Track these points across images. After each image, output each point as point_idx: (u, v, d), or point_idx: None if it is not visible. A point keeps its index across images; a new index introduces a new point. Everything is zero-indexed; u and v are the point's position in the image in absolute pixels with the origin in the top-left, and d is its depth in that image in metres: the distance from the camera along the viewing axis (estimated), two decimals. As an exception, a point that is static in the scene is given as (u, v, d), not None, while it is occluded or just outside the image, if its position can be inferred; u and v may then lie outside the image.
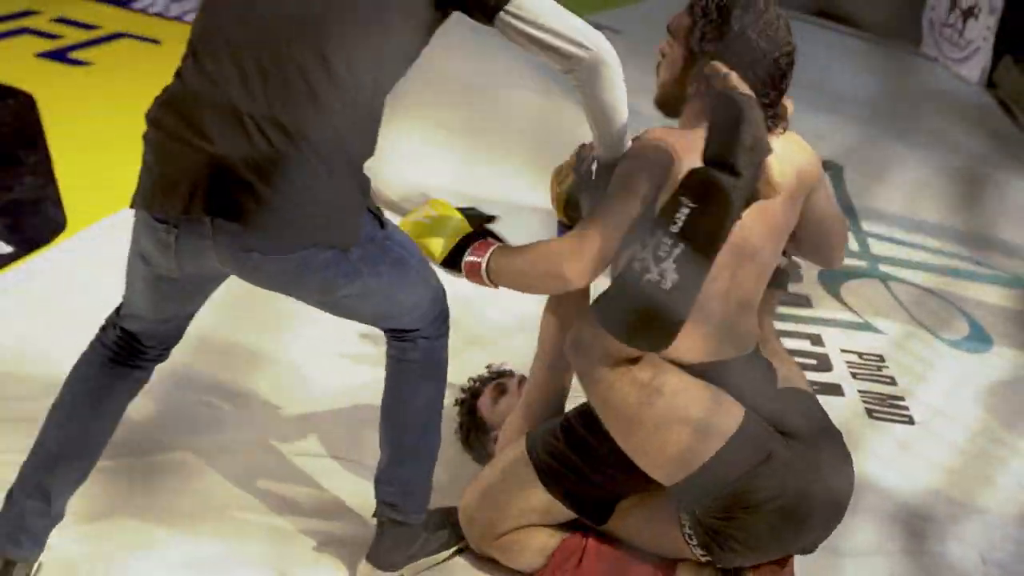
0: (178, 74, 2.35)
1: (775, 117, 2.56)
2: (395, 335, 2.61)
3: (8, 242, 3.89)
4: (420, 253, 2.60)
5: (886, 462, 3.38)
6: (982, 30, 6.34)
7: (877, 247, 4.68)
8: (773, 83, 2.54)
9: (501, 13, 2.38)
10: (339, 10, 2.29)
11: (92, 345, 2.60)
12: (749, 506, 2.45)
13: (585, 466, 2.61)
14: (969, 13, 6.42)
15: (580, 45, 2.44)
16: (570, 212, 2.74)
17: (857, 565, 2.90)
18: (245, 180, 2.25)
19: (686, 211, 2.27)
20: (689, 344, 2.47)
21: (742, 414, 2.46)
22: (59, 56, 5.45)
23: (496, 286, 2.63)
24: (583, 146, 2.75)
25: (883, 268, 4.51)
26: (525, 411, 2.84)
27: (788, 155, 2.54)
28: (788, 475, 2.46)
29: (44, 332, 3.43)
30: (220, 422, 3.21)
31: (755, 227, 2.50)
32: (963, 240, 4.80)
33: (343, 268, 2.39)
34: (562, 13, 2.44)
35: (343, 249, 2.36)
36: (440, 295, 2.61)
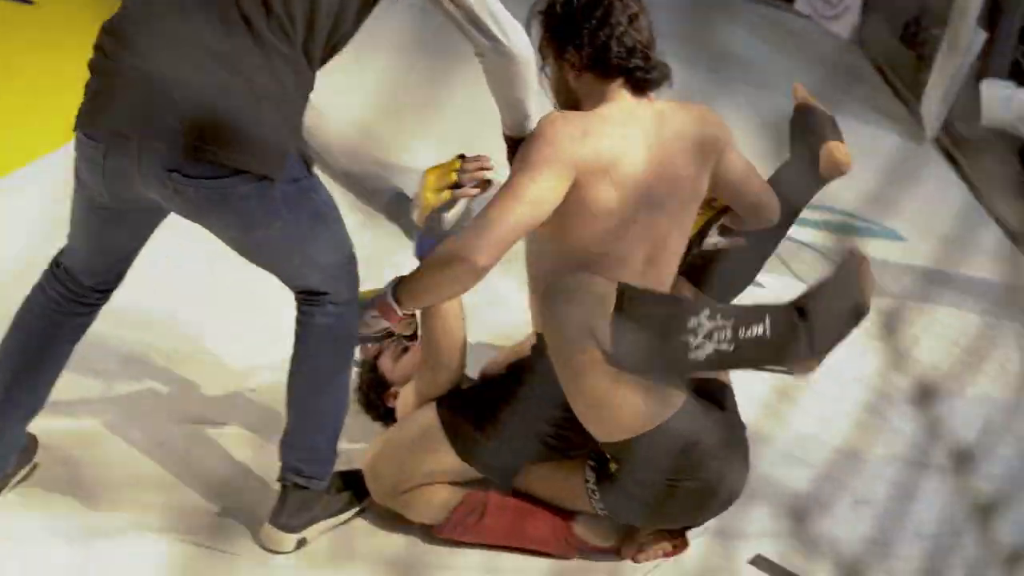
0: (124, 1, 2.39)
1: (653, 81, 2.62)
2: (305, 297, 2.62)
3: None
4: (338, 213, 2.59)
5: (770, 409, 3.44)
6: (854, -13, 6.51)
7: None
8: (638, 54, 2.59)
9: None
10: None
11: (34, 292, 2.63)
12: (670, 479, 2.58)
13: (497, 434, 2.68)
14: (840, -28, 6.58)
15: (492, 36, 2.48)
16: (429, 223, 2.75)
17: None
18: (174, 100, 2.27)
19: (760, 330, 2.45)
20: None
21: (684, 396, 2.58)
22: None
23: (413, 314, 2.70)
24: (462, 159, 2.74)
25: None
26: (420, 381, 2.90)
27: (690, 125, 2.65)
28: (711, 460, 2.60)
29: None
30: (127, 392, 3.19)
31: (666, 205, 2.63)
32: (840, 197, 4.89)
33: (264, 204, 2.40)
34: (490, 3, 2.46)
35: (267, 182, 2.36)
36: (353, 261, 2.64)
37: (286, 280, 2.62)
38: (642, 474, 2.58)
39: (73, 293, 2.62)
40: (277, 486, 2.73)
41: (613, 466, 2.64)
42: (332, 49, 2.47)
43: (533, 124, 2.62)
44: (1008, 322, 4.21)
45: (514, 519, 2.81)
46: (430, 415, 2.76)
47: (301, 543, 2.74)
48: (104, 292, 2.65)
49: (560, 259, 2.62)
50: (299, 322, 2.65)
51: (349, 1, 2.45)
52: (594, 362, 2.47)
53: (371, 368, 3.12)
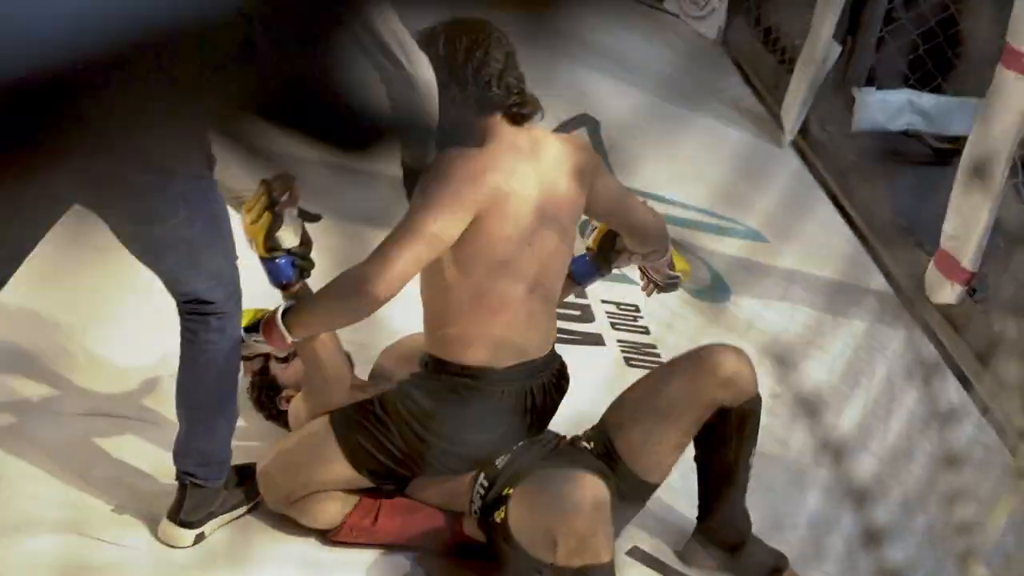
0: None
1: (530, 115, 2.76)
2: (191, 308, 2.63)
3: None
4: (231, 223, 2.62)
5: None
6: (719, -10, 6.59)
7: None
8: (515, 90, 2.72)
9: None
10: None
11: None
12: None
13: (390, 448, 2.75)
14: (706, -25, 6.66)
15: (397, 62, 2.48)
16: (270, 246, 2.75)
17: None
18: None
19: None
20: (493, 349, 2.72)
21: None
22: None
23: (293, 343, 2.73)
24: (266, 182, 2.75)
25: None
26: (309, 397, 2.93)
27: (566, 152, 2.80)
28: None
29: None
30: (19, 390, 3.17)
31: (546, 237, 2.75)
32: (705, 195, 4.97)
33: (165, 196, 2.42)
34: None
35: (168, 174, 2.38)
36: (237, 275, 2.67)
37: (172, 284, 2.62)
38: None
39: None
40: (174, 482, 2.75)
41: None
42: None
43: (430, 156, 2.67)
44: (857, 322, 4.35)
45: (405, 518, 2.86)
46: (322, 427, 2.79)
47: (199, 538, 2.77)
48: None
49: (457, 284, 2.70)
50: (184, 337, 2.66)
51: None
52: None
53: (262, 371, 3.11)
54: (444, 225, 2.59)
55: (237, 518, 2.87)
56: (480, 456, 2.80)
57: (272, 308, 2.75)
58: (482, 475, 2.83)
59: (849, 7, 5.21)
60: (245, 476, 2.89)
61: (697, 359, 2.83)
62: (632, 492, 2.85)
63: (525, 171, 2.70)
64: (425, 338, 2.84)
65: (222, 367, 2.70)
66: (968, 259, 4.11)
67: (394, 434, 2.73)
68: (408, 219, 2.61)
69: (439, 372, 2.76)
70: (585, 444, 2.91)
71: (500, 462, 2.84)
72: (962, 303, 4.20)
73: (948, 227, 4.19)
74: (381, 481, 2.81)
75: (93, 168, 2.31)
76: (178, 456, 2.74)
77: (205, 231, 2.55)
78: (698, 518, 2.99)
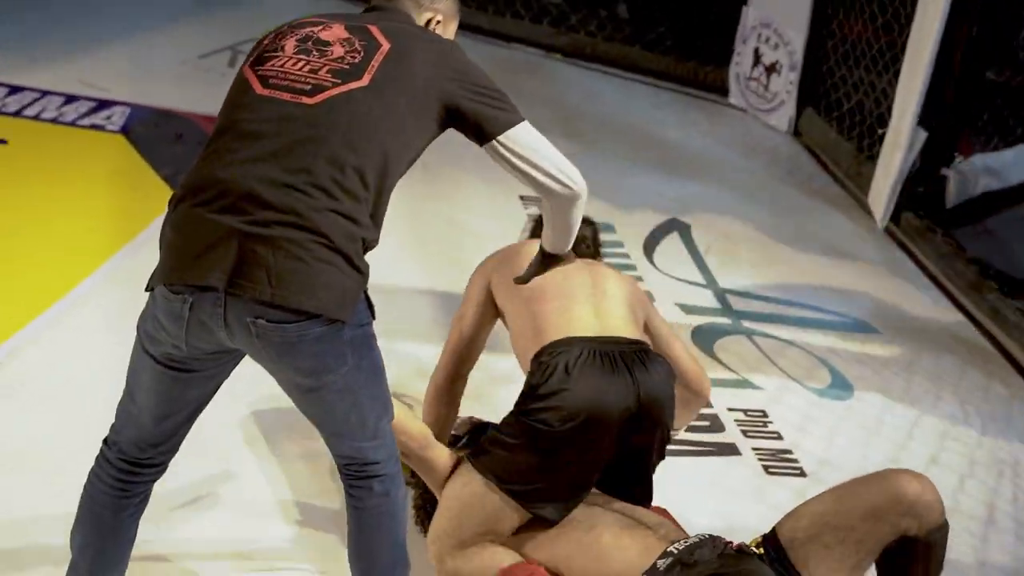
0: (202, 161, 2.46)
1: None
2: (354, 472, 2.65)
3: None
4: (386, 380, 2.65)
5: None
6: (785, 84, 6.63)
7: (736, 303, 4.81)
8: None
9: (494, 141, 2.54)
10: (359, 130, 2.44)
11: (92, 478, 2.63)
12: None
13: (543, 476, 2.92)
14: (772, 69, 6.71)
15: (560, 183, 2.58)
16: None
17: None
18: (259, 255, 2.34)
19: None
20: None
21: None
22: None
23: None
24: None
25: (745, 324, 4.64)
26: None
27: (624, 284, 3.27)
28: None
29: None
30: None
31: None
32: (807, 290, 4.99)
33: (335, 346, 2.44)
34: (548, 152, 2.58)
35: (338, 324, 2.40)
36: (394, 437, 2.71)
37: (334, 440, 2.64)
38: None
39: (130, 474, 2.62)
40: None
41: None
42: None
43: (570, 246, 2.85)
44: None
45: None
46: (477, 480, 2.95)
47: None
48: (159, 466, 2.65)
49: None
50: (351, 505, 2.68)
51: (408, 164, 2.57)
52: None
53: (422, 486, 3.17)
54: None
55: None
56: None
57: None
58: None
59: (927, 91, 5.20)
60: None
61: (881, 484, 2.74)
62: None
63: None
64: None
65: (392, 528, 2.71)
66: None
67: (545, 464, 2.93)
68: None
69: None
70: (755, 550, 2.82)
71: (662, 564, 2.77)
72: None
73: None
74: (537, 507, 2.92)
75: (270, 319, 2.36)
76: None
77: (369, 378, 2.56)
78: None
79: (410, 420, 3.09)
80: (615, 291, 3.21)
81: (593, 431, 2.88)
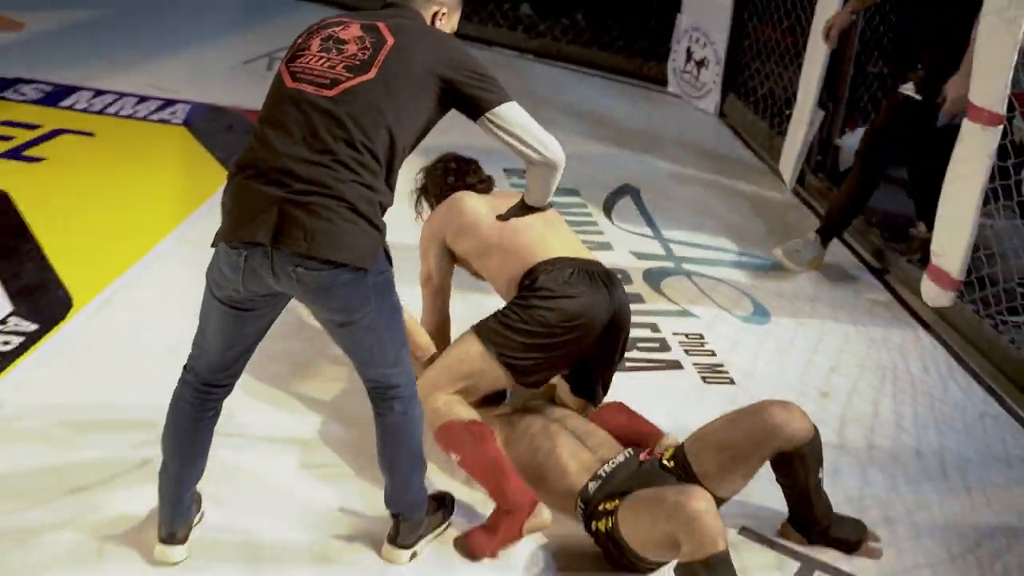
0: (251, 142, 2.48)
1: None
2: (378, 394, 2.66)
3: (33, 320, 3.77)
4: (403, 317, 2.66)
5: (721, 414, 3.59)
6: (712, 75, 6.64)
7: (677, 250, 4.83)
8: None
9: (484, 116, 2.54)
10: (368, 116, 2.44)
11: (175, 397, 2.66)
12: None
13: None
14: (701, 63, 6.71)
15: (538, 152, 2.57)
16: None
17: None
18: (296, 218, 2.37)
19: None
20: None
21: None
22: (15, 155, 5.17)
23: None
24: None
25: (685, 266, 4.65)
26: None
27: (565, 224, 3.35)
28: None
29: (84, 394, 3.39)
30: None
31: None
32: (733, 238, 5.00)
33: (360, 290, 2.46)
34: (528, 125, 2.57)
35: (362, 272, 2.43)
36: (410, 364, 2.71)
37: (363, 367, 2.64)
38: None
39: (206, 393, 2.64)
40: (386, 516, 2.79)
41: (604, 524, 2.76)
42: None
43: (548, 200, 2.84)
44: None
45: (494, 466, 2.89)
46: (476, 346, 3.03)
47: (413, 556, 2.79)
48: (227, 385, 2.67)
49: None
50: (377, 419, 2.69)
51: (415, 139, 2.54)
52: None
53: None
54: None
55: (440, 534, 2.89)
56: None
57: None
58: (579, 498, 2.88)
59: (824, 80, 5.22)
60: (442, 502, 2.92)
61: (758, 417, 2.80)
62: None
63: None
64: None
65: (410, 439, 2.72)
66: (956, 271, 4.08)
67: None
68: None
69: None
70: (667, 463, 2.88)
71: (592, 486, 2.87)
72: (955, 306, 4.18)
73: (935, 246, 4.17)
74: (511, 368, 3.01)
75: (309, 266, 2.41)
76: (389, 503, 2.78)
77: (390, 319, 2.57)
78: (788, 512, 2.99)
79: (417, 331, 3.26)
80: (566, 227, 3.33)
81: (582, 332, 3.01)
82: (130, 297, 3.97)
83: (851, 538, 2.96)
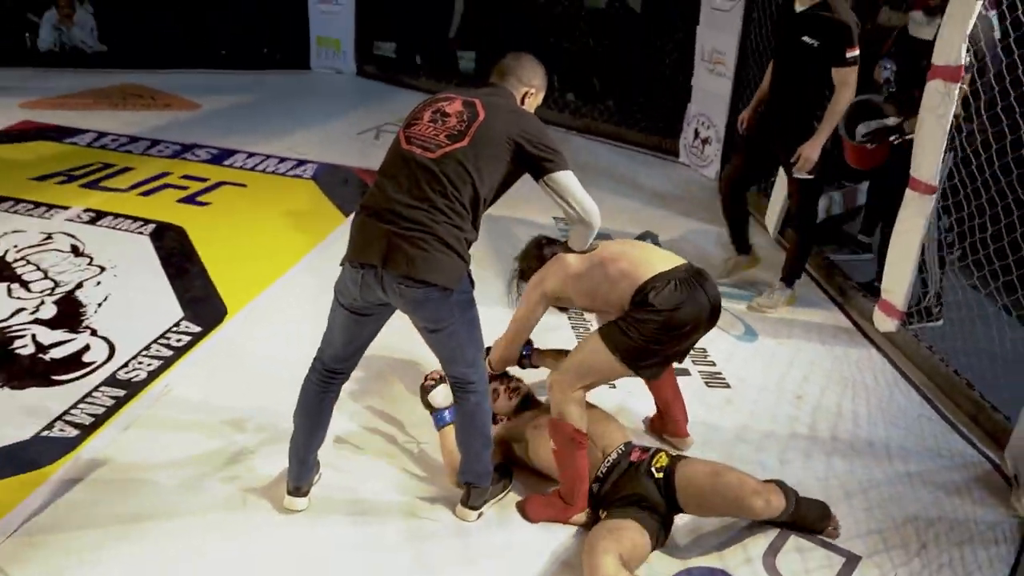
0: (372, 189, 2.50)
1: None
2: (458, 385, 2.64)
3: (198, 324, 3.86)
4: (481, 329, 2.64)
5: (720, 411, 3.55)
6: (714, 150, 6.59)
7: None
8: None
9: (544, 178, 2.52)
10: (459, 175, 2.44)
11: (306, 382, 2.68)
12: None
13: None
14: (705, 141, 6.67)
15: (579, 215, 2.55)
16: (429, 404, 3.00)
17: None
18: (401, 247, 2.39)
19: None
20: None
21: None
22: (191, 200, 5.31)
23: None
24: (425, 379, 3.03)
25: None
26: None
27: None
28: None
29: (235, 381, 3.45)
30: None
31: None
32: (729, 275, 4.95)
33: (446, 305, 2.46)
34: (576, 192, 2.54)
35: (449, 291, 2.43)
36: (485, 366, 2.71)
37: (446, 366, 2.63)
38: None
39: (329, 377, 2.65)
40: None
41: None
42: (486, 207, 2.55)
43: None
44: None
45: (576, 472, 2.75)
46: (602, 349, 2.75)
47: (480, 515, 2.79)
48: (346, 373, 2.68)
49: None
50: (457, 407, 2.68)
51: (496, 191, 2.53)
52: None
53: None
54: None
55: (502, 499, 2.89)
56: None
57: None
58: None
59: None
60: (503, 472, 2.92)
61: (739, 499, 2.63)
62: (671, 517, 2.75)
63: None
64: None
65: (482, 424, 2.72)
66: (900, 304, 4.04)
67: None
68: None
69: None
70: (655, 472, 2.73)
71: (594, 487, 2.78)
72: (899, 331, 4.12)
73: (885, 284, 4.11)
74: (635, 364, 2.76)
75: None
76: (462, 474, 2.78)
77: (469, 329, 2.57)
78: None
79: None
80: (652, 246, 3.06)
81: (691, 331, 2.79)
82: (271, 307, 4.03)
83: (818, 514, 2.83)
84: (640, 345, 2.72)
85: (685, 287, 2.75)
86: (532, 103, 2.68)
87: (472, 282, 2.55)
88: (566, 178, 2.52)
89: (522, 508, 2.83)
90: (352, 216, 2.55)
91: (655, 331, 2.71)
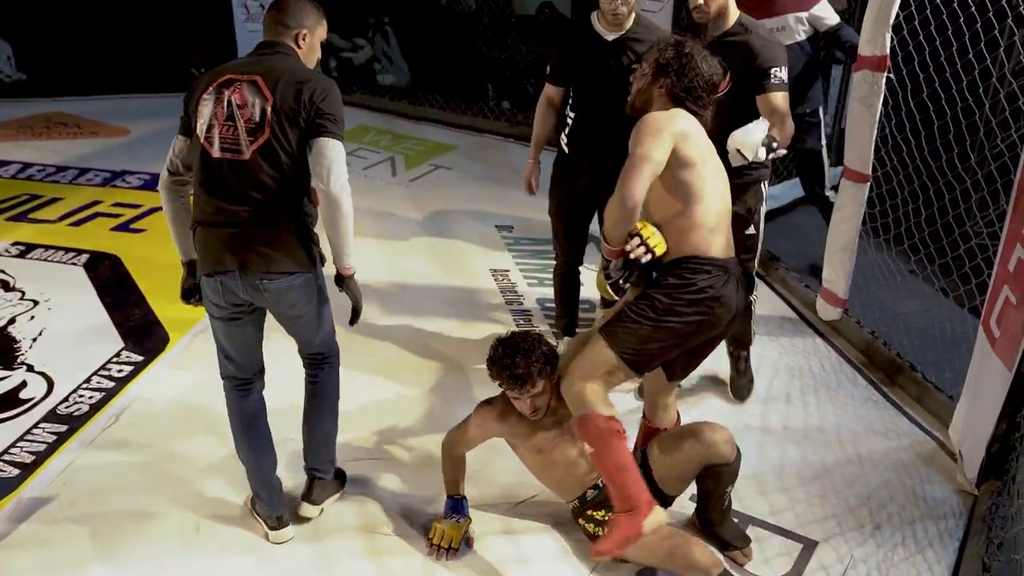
0: (199, 202, 2.46)
1: (701, 116, 2.59)
2: (315, 360, 2.67)
3: (140, 353, 3.78)
4: (329, 305, 2.66)
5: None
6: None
7: None
8: (707, 90, 2.58)
9: (312, 140, 2.40)
10: (275, 163, 2.41)
11: (227, 404, 2.68)
12: None
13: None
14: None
15: (328, 187, 2.39)
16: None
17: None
18: (254, 249, 2.42)
19: None
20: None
21: None
22: (125, 228, 5.18)
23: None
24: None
25: None
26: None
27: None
28: None
29: (182, 409, 3.39)
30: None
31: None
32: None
33: (308, 289, 2.52)
34: (337, 165, 2.38)
35: (305, 275, 2.48)
36: (336, 339, 2.73)
37: (305, 345, 2.66)
38: None
39: (243, 385, 2.64)
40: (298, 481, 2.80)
41: None
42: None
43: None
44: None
45: (619, 467, 2.47)
46: (608, 352, 2.51)
47: (322, 511, 2.79)
48: (258, 374, 2.66)
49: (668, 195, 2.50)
50: (308, 382, 2.69)
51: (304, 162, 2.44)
52: None
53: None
54: (661, 149, 2.43)
55: (339, 497, 2.88)
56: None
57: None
58: (576, 499, 2.74)
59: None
60: (337, 473, 2.90)
61: (694, 439, 2.69)
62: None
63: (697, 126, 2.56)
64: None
65: (333, 399, 2.73)
66: (842, 292, 4.11)
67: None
68: (636, 153, 2.43)
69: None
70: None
71: (591, 494, 2.71)
72: (840, 319, 4.21)
73: (826, 274, 4.19)
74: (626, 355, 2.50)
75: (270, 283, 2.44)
76: (308, 459, 2.77)
77: (323, 308, 2.62)
78: (696, 510, 2.89)
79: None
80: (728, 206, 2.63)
81: (722, 331, 2.62)
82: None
83: (729, 541, 2.80)
84: (653, 343, 2.49)
85: (732, 284, 2.52)
86: (311, 41, 2.53)
87: (323, 259, 2.57)
88: (333, 148, 2.37)
89: (594, 553, 2.51)
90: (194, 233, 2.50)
91: (682, 316, 2.46)
